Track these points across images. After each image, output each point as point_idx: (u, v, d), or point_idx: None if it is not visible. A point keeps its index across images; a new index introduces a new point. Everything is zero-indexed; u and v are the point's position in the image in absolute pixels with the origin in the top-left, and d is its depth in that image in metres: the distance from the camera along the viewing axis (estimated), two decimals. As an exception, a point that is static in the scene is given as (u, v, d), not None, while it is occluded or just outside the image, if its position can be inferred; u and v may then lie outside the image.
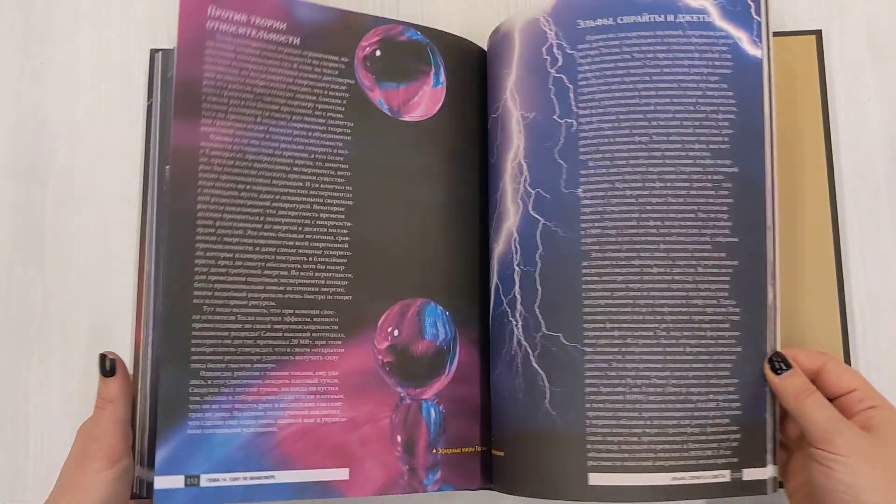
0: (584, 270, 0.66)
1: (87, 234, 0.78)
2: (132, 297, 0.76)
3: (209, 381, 0.64)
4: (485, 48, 0.76)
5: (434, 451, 0.68)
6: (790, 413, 0.64)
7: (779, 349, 0.66)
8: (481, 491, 0.72)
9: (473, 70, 0.75)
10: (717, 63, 0.66)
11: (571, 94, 0.67)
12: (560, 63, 0.68)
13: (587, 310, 0.66)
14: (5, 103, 0.80)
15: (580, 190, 0.66)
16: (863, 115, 0.78)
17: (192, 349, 0.63)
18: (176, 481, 0.62)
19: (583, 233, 0.66)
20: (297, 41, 0.69)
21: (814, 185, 0.74)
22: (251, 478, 0.63)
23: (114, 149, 0.79)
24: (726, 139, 0.66)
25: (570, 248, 0.66)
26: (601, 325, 0.65)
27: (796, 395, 0.63)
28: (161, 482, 0.61)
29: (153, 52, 0.78)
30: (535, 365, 0.66)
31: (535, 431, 0.66)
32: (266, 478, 0.64)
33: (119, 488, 0.64)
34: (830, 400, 0.63)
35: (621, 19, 0.67)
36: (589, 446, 0.64)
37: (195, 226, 0.64)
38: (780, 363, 0.64)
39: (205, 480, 0.62)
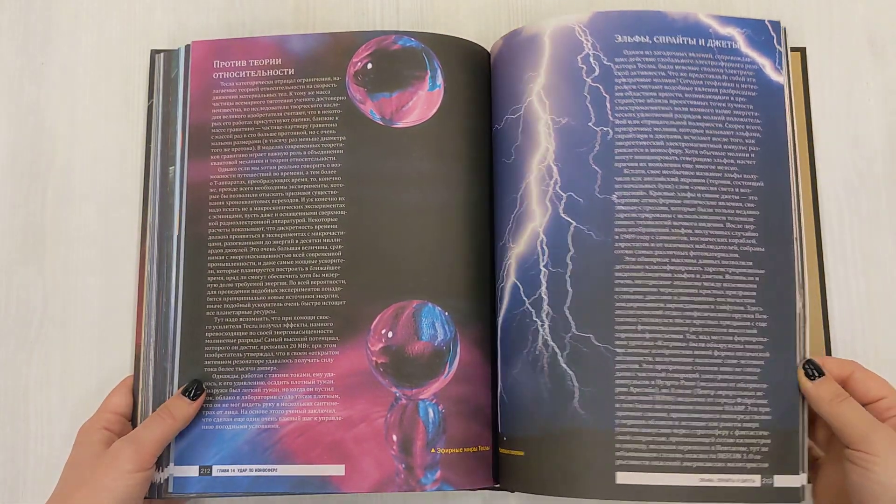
0: (617, 273, 0.67)
1: (87, 234, 0.78)
2: (132, 297, 0.76)
3: (220, 383, 0.71)
4: (487, 49, 0.76)
5: (433, 450, 0.68)
6: (825, 418, 0.64)
7: (808, 356, 0.67)
8: (483, 490, 0.72)
9: (476, 71, 0.75)
10: (743, 85, 0.70)
11: (608, 104, 0.69)
12: (597, 73, 0.70)
13: (619, 311, 0.67)
14: (5, 103, 0.80)
15: (615, 196, 0.68)
16: (863, 115, 0.78)
17: (206, 355, 0.71)
18: (191, 470, 0.69)
19: (616, 237, 0.68)
20: (291, 71, 0.75)
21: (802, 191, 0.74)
22: (256, 470, 0.69)
23: (114, 149, 0.79)
24: (752, 155, 0.69)
25: (603, 251, 0.68)
26: (633, 327, 0.66)
27: (830, 399, 0.64)
28: (179, 471, 0.69)
29: (154, 52, 0.78)
30: (564, 365, 0.67)
31: (561, 431, 0.66)
32: (269, 470, 0.69)
33: (140, 493, 0.64)
34: None
35: (657, 38, 0.70)
36: (617, 445, 0.65)
37: (207, 248, 0.72)
38: (813, 370, 0.66)
39: (216, 470, 0.69)
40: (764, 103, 0.70)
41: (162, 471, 0.69)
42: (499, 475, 0.70)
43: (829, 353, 0.74)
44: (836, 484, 0.66)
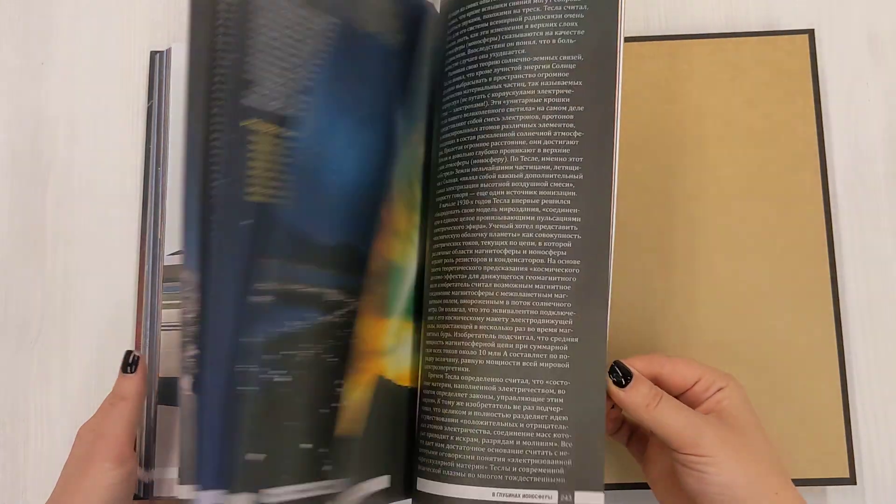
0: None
1: (87, 234, 0.78)
2: (132, 297, 0.76)
3: None
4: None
5: None
6: (645, 425, 0.60)
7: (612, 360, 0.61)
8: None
9: None
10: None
11: None
12: None
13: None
14: (5, 103, 0.80)
15: None
16: (863, 115, 0.78)
17: None
18: None
19: None
20: None
21: (808, 184, 0.74)
22: None
23: (114, 149, 0.79)
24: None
25: None
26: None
27: (647, 404, 0.58)
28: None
29: (153, 53, 0.78)
30: None
31: None
32: None
33: (123, 492, 0.63)
34: (677, 398, 0.60)
35: None
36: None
37: None
38: (621, 375, 0.59)
39: None
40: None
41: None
42: None
43: (842, 358, 0.72)
44: (669, 467, 0.62)
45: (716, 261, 0.73)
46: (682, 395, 0.61)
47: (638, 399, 0.58)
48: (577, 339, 0.60)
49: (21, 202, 0.78)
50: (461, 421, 0.60)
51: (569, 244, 0.60)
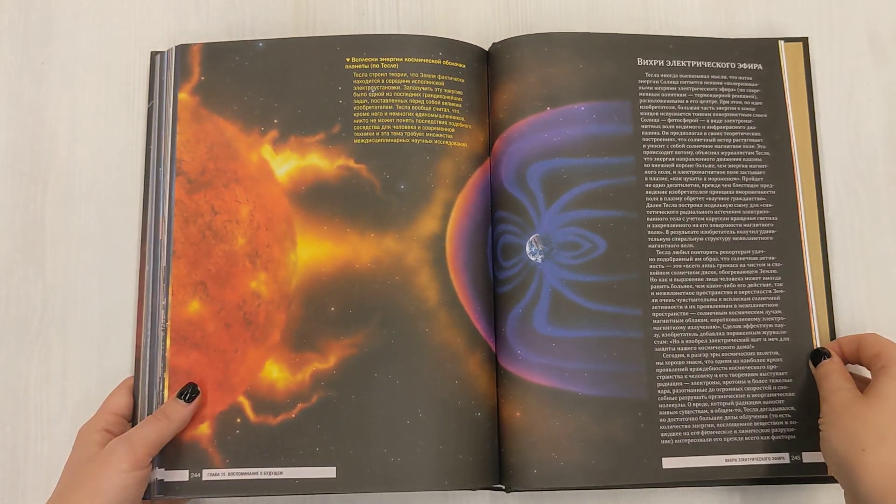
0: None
1: (87, 234, 0.78)
2: (132, 297, 0.76)
3: None
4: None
5: None
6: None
7: (819, 342, 0.73)
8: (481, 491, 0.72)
9: None
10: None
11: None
12: None
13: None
14: (5, 103, 0.80)
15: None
16: (863, 115, 0.78)
17: None
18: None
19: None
20: None
21: (804, 185, 0.76)
22: None
23: (114, 149, 0.79)
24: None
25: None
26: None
27: (823, 376, 0.69)
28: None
29: (153, 54, 0.78)
30: None
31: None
32: None
33: (134, 494, 0.64)
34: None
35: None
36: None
37: None
38: (821, 355, 0.70)
39: None
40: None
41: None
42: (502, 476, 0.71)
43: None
44: None
45: None
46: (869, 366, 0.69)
47: (820, 372, 0.70)
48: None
49: (21, 202, 0.78)
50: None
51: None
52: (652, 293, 0.72)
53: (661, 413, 0.70)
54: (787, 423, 0.71)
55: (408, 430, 0.68)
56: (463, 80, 0.74)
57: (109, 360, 0.75)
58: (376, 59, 0.73)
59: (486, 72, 0.76)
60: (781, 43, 0.77)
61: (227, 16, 0.82)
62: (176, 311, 0.71)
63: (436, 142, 0.72)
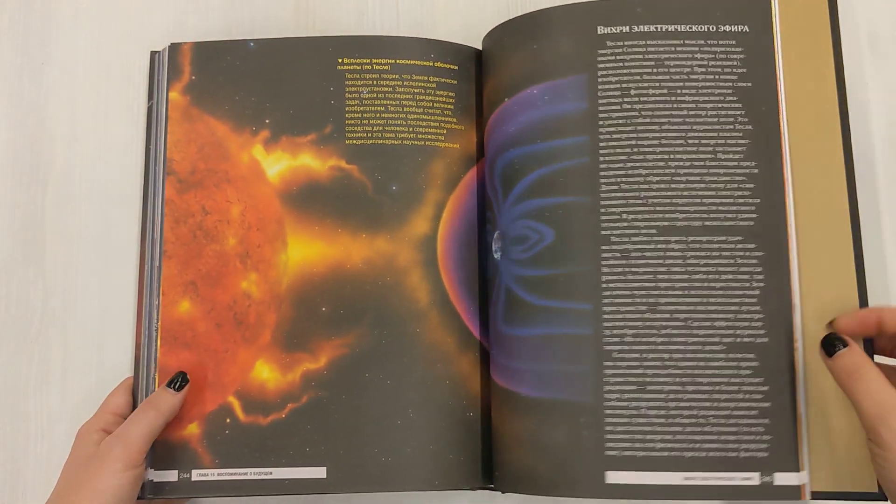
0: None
1: (87, 234, 0.78)
2: (132, 297, 0.76)
3: None
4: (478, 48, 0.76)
5: None
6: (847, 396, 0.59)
7: (802, 344, 0.63)
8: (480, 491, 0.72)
9: None
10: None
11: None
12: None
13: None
14: (5, 103, 0.80)
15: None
16: (863, 115, 0.77)
17: None
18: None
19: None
20: None
21: (814, 163, 0.69)
22: None
23: (114, 149, 0.79)
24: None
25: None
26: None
27: (849, 373, 0.58)
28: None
29: (153, 53, 0.78)
30: None
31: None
32: None
33: (130, 493, 0.64)
34: None
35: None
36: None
37: None
38: (833, 344, 0.60)
39: None
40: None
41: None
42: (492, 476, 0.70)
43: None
44: None
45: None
46: None
47: (841, 366, 0.59)
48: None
49: (21, 202, 0.78)
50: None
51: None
52: (604, 285, 0.65)
53: (607, 420, 0.64)
54: (759, 437, 0.62)
55: (399, 430, 0.68)
56: (455, 82, 0.74)
57: (109, 360, 0.76)
58: (368, 61, 0.73)
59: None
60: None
61: (226, 15, 0.82)
62: (166, 310, 0.71)
63: (427, 143, 0.72)
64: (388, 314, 0.70)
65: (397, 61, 0.73)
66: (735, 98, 0.67)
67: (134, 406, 0.70)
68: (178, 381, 0.68)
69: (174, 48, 0.74)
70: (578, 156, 0.67)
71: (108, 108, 0.80)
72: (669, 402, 0.63)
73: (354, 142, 0.72)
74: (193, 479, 0.68)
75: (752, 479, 0.62)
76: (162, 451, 0.68)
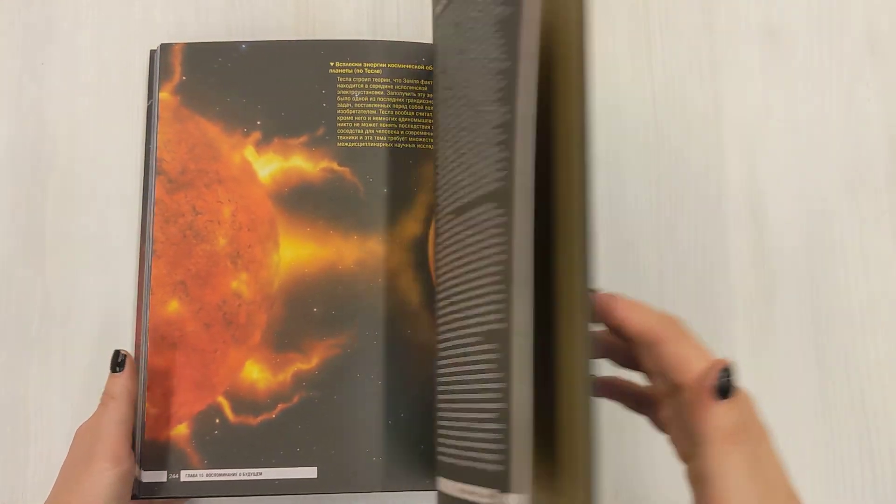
0: None
1: (87, 234, 0.78)
2: (132, 297, 0.76)
3: None
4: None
5: None
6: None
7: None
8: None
9: None
10: None
11: None
12: None
13: None
14: (5, 103, 0.80)
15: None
16: (863, 115, 0.77)
17: None
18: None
19: None
20: None
21: None
22: None
23: (114, 149, 0.79)
24: None
25: None
26: None
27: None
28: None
29: (153, 53, 0.78)
30: None
31: None
32: None
33: (121, 491, 0.63)
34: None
35: None
36: None
37: None
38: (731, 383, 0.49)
39: None
40: None
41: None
42: None
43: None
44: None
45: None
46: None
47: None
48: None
49: (21, 202, 0.79)
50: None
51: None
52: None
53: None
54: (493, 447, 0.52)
55: (390, 431, 0.68)
56: None
57: (109, 360, 0.75)
58: (360, 64, 0.73)
59: None
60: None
61: (226, 16, 0.82)
62: (155, 310, 0.70)
63: (419, 146, 0.72)
64: (380, 315, 0.70)
65: (389, 65, 0.73)
66: None
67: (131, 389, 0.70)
68: (117, 360, 0.67)
69: (165, 48, 0.74)
70: None
71: (108, 108, 0.80)
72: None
73: (346, 144, 0.72)
74: (182, 479, 0.68)
75: None
76: (150, 451, 0.68)
